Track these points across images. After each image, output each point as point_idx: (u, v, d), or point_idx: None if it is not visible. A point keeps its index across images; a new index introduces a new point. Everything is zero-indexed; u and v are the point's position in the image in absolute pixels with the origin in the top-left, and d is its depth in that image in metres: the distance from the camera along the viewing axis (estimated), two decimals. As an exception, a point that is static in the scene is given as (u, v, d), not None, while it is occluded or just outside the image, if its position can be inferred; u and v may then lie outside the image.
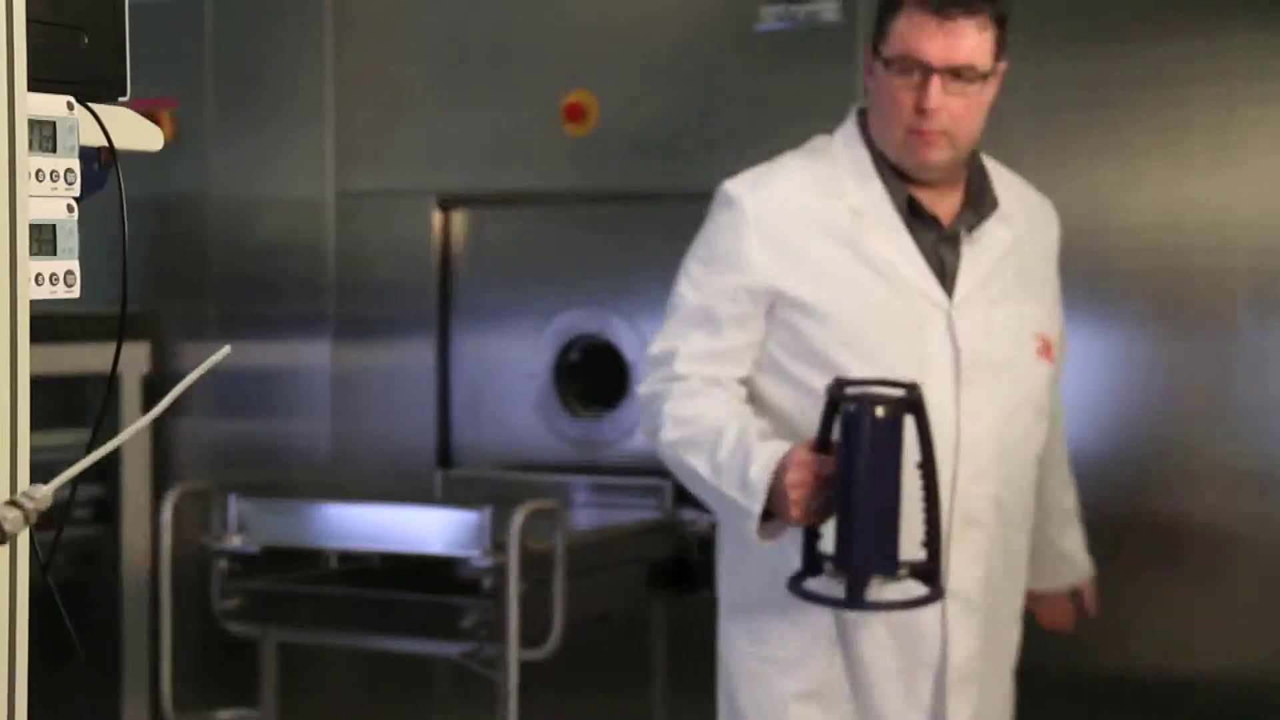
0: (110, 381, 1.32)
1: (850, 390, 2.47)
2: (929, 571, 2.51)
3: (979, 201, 2.68)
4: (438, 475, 4.09)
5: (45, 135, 1.23)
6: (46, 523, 4.28)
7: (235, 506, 3.50)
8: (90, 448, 1.29)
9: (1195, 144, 3.45)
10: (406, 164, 4.12)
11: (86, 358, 4.05)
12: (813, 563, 2.54)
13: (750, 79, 3.77)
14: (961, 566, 2.62)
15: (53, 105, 1.24)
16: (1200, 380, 3.45)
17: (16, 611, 1.15)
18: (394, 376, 4.15)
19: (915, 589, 2.52)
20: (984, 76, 2.56)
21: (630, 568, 3.68)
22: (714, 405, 2.63)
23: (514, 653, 3.26)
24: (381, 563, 3.48)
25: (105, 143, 1.29)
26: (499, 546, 3.27)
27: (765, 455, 2.53)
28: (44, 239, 1.23)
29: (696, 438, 2.61)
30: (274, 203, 4.23)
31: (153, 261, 4.32)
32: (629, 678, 3.83)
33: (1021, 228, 2.73)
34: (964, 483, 2.61)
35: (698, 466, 2.61)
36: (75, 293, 1.26)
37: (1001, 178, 2.76)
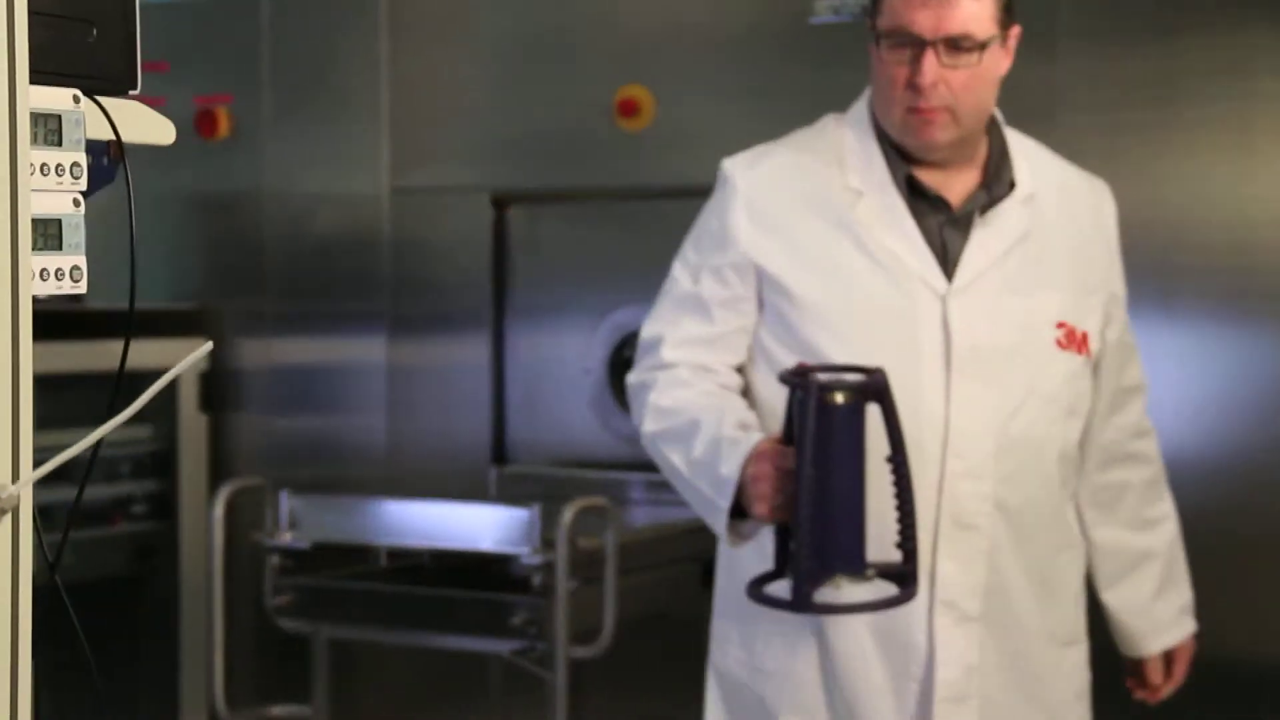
0: (118, 380, 1.31)
1: (809, 377, 2.29)
2: (904, 574, 2.30)
3: (995, 182, 2.50)
4: (492, 472, 4.08)
5: (50, 129, 1.22)
6: (99, 520, 4.26)
7: (286, 503, 3.50)
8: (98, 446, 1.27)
9: (1261, 138, 3.38)
10: (461, 160, 4.11)
11: (149, 354, 4.07)
12: (784, 563, 2.37)
13: (804, 72, 3.73)
14: (953, 573, 2.42)
15: (58, 98, 1.22)
16: (1270, 378, 3.38)
17: (19, 611, 1.13)
18: (449, 373, 4.14)
19: (890, 591, 2.33)
20: (983, 45, 2.38)
21: (684, 566, 3.65)
22: (697, 395, 2.47)
23: (563, 651, 3.24)
24: (432, 560, 3.47)
25: (114, 136, 1.28)
26: (548, 544, 3.26)
27: (738, 448, 2.37)
28: (49, 234, 1.22)
29: (675, 430, 2.46)
30: (330, 199, 4.23)
31: (210, 258, 4.34)
32: (682, 677, 3.79)
33: (1052, 211, 2.54)
34: (954, 481, 2.41)
35: (675, 461, 2.47)
36: (82, 288, 1.24)
37: (1034, 157, 2.58)
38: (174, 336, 4.18)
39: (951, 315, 2.43)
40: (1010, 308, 2.46)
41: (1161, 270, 3.37)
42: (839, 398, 2.25)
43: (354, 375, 4.21)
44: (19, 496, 0.99)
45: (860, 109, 2.55)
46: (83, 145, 1.24)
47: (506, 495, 3.91)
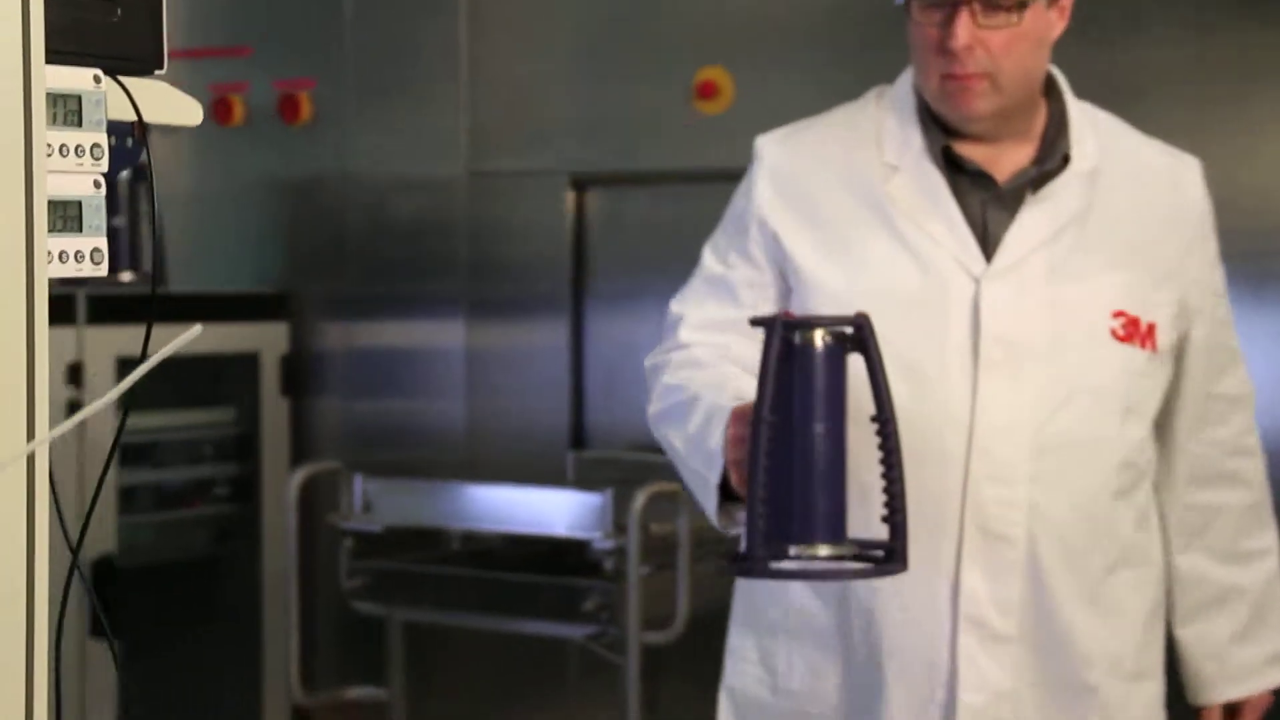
0: (141, 361, 1.30)
1: (776, 316, 2.04)
2: (891, 550, 2.04)
3: (1049, 156, 2.25)
4: (570, 456, 4.06)
5: (70, 109, 1.20)
6: (180, 502, 4.27)
7: (360, 486, 3.51)
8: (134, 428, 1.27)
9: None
10: (540, 144, 4.10)
11: (231, 338, 4.13)
12: None
13: (886, 54, 3.66)
14: (979, 586, 2.17)
15: (78, 78, 1.21)
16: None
17: (35, 596, 1.13)
18: (528, 357, 4.14)
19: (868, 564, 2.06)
20: (1024, 3, 2.14)
21: (761, 552, 3.62)
22: (707, 375, 2.26)
23: (635, 636, 3.23)
24: (504, 544, 3.47)
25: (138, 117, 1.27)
26: (621, 529, 3.25)
27: (728, 418, 2.10)
28: (69, 215, 1.21)
29: (675, 408, 2.24)
30: (409, 183, 4.24)
31: (291, 242, 4.36)
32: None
33: (1121, 189, 2.27)
34: (979, 484, 2.16)
35: (674, 441, 2.22)
36: (102, 270, 1.23)
37: (1104, 131, 2.31)
38: (256, 320, 4.21)
39: (984, 301, 2.19)
40: (1057, 294, 2.22)
41: (1253, 256, 3.28)
42: (806, 337, 2.01)
43: (433, 359, 4.21)
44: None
45: (904, 80, 2.36)
46: (104, 126, 1.22)
47: (584, 480, 3.90)
